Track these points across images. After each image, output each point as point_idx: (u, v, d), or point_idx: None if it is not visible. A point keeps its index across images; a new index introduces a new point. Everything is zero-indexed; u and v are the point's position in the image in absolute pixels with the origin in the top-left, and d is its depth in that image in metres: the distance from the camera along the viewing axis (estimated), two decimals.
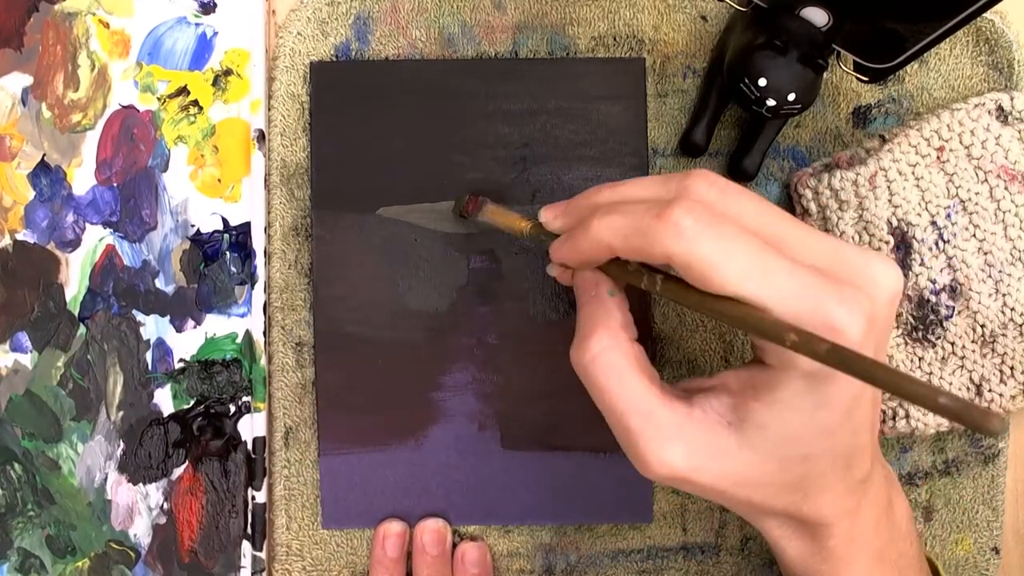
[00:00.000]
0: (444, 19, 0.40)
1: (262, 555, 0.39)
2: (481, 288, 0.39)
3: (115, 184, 0.39)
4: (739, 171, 0.39)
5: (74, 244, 0.39)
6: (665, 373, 0.40)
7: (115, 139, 0.39)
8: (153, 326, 0.39)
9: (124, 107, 0.39)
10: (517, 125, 0.39)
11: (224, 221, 0.39)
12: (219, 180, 0.39)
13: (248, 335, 0.39)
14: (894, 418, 0.37)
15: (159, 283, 0.39)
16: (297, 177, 0.40)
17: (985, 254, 0.36)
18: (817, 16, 0.34)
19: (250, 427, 0.39)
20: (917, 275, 0.36)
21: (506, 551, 0.40)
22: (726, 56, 0.37)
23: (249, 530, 0.39)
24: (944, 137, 0.36)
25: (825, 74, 0.38)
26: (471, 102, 0.39)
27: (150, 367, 0.39)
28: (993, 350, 0.37)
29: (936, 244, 0.36)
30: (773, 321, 0.25)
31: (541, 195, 0.39)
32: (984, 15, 0.34)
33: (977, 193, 0.36)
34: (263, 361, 0.39)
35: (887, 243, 0.36)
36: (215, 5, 0.39)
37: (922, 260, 0.36)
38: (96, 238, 0.39)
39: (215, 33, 0.39)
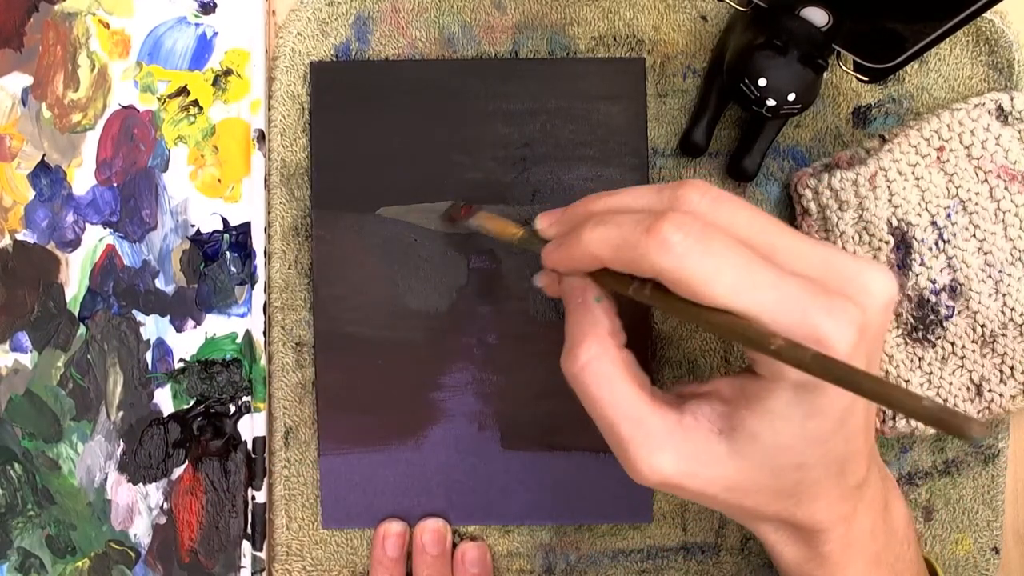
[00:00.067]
0: (444, 19, 0.40)
1: (262, 555, 0.39)
2: (481, 288, 0.39)
3: (115, 184, 0.39)
4: (739, 171, 0.39)
5: (74, 244, 0.40)
6: (665, 373, 0.40)
7: (115, 139, 0.39)
8: (153, 326, 0.39)
9: (124, 107, 0.39)
10: (517, 125, 0.39)
11: (224, 221, 0.39)
12: (219, 180, 0.39)
13: (248, 335, 0.39)
14: (894, 418, 0.37)
15: (159, 283, 0.39)
16: (297, 177, 0.40)
17: (985, 254, 0.36)
18: (817, 16, 0.34)
19: (250, 427, 0.39)
20: (917, 275, 0.36)
21: (506, 551, 0.40)
22: (726, 56, 0.37)
23: (249, 530, 0.39)
24: (944, 137, 0.36)
25: (825, 74, 0.38)
26: (471, 102, 0.39)
27: (150, 367, 0.39)
28: (993, 350, 0.37)
29: (936, 244, 0.36)
30: (758, 331, 0.25)
31: (541, 195, 0.39)
32: (984, 15, 0.34)
33: (977, 193, 0.36)
34: (263, 361, 0.39)
35: (887, 243, 0.36)
36: (215, 5, 0.39)
37: (922, 260, 0.36)
38: (96, 238, 0.39)
39: (215, 33, 0.39)
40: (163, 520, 0.39)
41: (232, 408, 0.39)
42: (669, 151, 0.40)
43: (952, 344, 0.37)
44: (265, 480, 0.39)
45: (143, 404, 0.39)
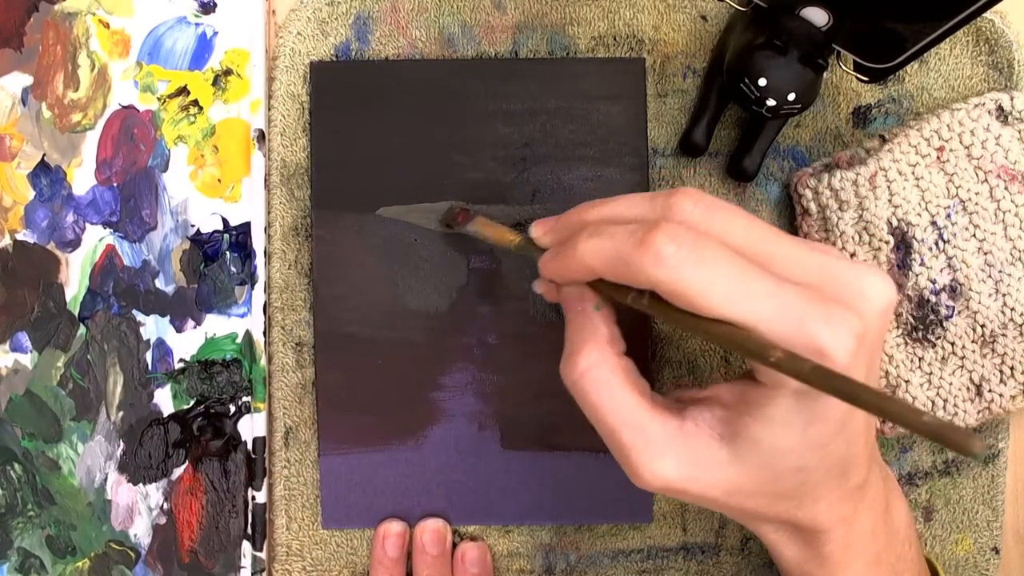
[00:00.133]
0: (444, 19, 0.40)
1: (262, 555, 0.39)
2: (481, 288, 0.39)
3: (115, 184, 0.39)
4: (739, 171, 0.39)
5: (74, 244, 0.40)
6: (665, 374, 0.40)
7: (115, 139, 0.39)
8: (153, 326, 0.39)
9: (124, 107, 0.39)
10: (517, 125, 0.39)
11: (224, 221, 0.39)
12: (219, 180, 0.39)
13: (248, 335, 0.39)
14: None
15: (159, 283, 0.39)
16: (297, 177, 0.40)
17: (985, 254, 0.36)
18: (817, 16, 0.34)
19: (250, 427, 0.39)
20: (917, 275, 0.36)
21: (506, 551, 0.40)
22: (726, 56, 0.37)
23: (249, 530, 0.39)
24: (944, 137, 0.36)
25: (825, 74, 0.38)
26: (471, 102, 0.39)
27: (150, 367, 0.39)
28: (993, 350, 0.37)
29: (936, 244, 0.36)
30: (757, 342, 0.25)
31: (541, 195, 0.39)
32: (984, 15, 0.34)
33: (977, 193, 0.36)
34: (263, 361, 0.39)
35: (887, 243, 0.36)
36: (215, 5, 0.39)
37: (922, 260, 0.36)
38: (96, 238, 0.39)
39: (215, 33, 0.39)
40: (163, 520, 0.39)
41: (232, 408, 0.39)
42: (669, 151, 0.40)
43: (952, 344, 0.37)
44: (265, 480, 0.39)
45: (143, 404, 0.39)
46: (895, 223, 0.36)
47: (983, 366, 0.37)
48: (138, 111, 0.39)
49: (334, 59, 0.40)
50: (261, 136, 0.39)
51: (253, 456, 0.39)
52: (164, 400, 0.39)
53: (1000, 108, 0.37)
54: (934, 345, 0.37)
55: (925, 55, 0.36)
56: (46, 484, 0.39)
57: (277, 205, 0.40)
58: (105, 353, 0.39)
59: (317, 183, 0.39)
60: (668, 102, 0.40)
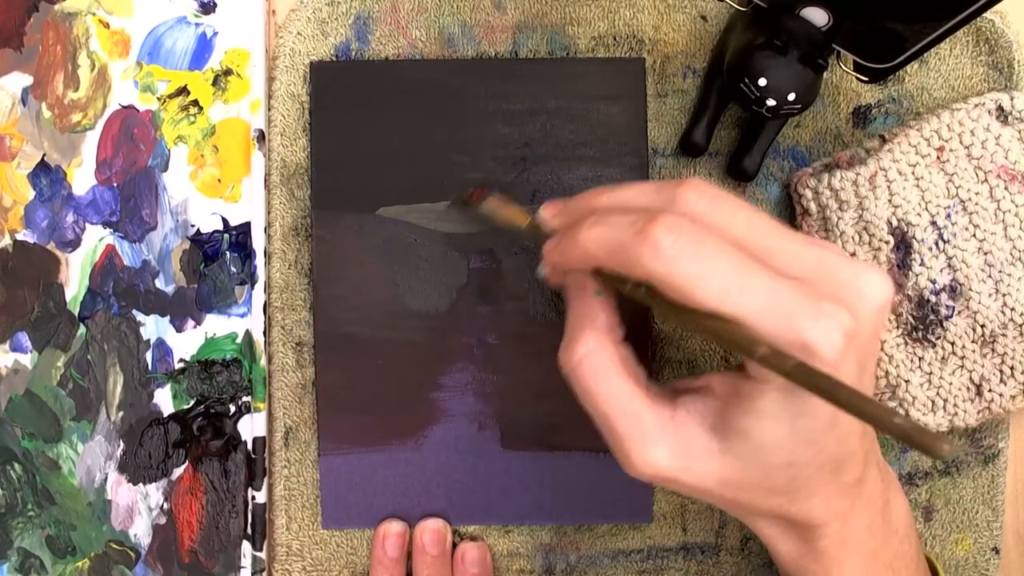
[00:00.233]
0: (444, 19, 0.40)
1: (262, 555, 0.39)
2: (481, 288, 0.39)
3: (115, 184, 0.39)
4: (739, 171, 0.39)
5: (74, 244, 0.40)
6: (665, 373, 0.40)
7: (115, 139, 0.39)
8: (153, 326, 0.39)
9: (124, 107, 0.39)
10: (517, 125, 0.39)
11: (224, 221, 0.39)
12: (219, 180, 0.39)
13: (248, 335, 0.39)
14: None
15: (159, 283, 0.39)
16: (297, 177, 0.40)
17: (985, 254, 0.36)
18: (817, 16, 0.34)
19: (250, 427, 0.39)
20: (917, 275, 0.36)
21: (506, 551, 0.40)
22: (726, 56, 0.37)
23: (249, 530, 0.39)
24: (944, 137, 0.36)
25: (825, 74, 0.38)
26: (471, 102, 0.39)
27: (150, 367, 0.39)
28: (993, 350, 0.37)
29: (936, 244, 0.36)
30: (746, 336, 0.25)
31: (541, 195, 0.39)
32: (984, 15, 0.34)
33: (977, 193, 0.36)
34: (263, 361, 0.39)
35: (887, 243, 0.36)
36: (215, 5, 0.39)
37: (922, 260, 0.36)
38: (96, 238, 0.39)
39: (215, 33, 0.39)
40: (163, 520, 0.39)
41: (232, 408, 0.39)
42: (669, 151, 0.40)
43: (952, 344, 0.37)
44: (265, 480, 0.39)
45: (143, 404, 0.39)
46: (895, 223, 0.36)
47: (983, 366, 0.37)
48: (138, 111, 0.39)
49: (334, 59, 0.40)
50: (261, 136, 0.39)
51: (253, 456, 0.39)
52: (164, 400, 0.39)
53: (1000, 108, 0.37)
54: (934, 345, 0.37)
55: (925, 55, 0.36)
56: (46, 484, 0.39)
57: (277, 205, 0.40)
58: (105, 353, 0.39)
59: (317, 183, 0.39)
60: (668, 102, 0.40)
